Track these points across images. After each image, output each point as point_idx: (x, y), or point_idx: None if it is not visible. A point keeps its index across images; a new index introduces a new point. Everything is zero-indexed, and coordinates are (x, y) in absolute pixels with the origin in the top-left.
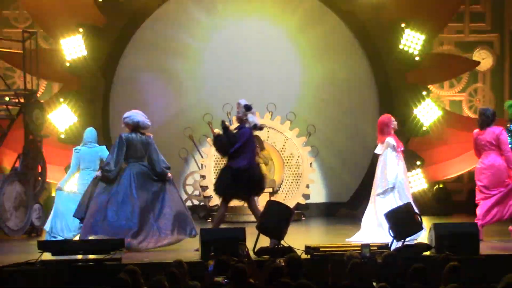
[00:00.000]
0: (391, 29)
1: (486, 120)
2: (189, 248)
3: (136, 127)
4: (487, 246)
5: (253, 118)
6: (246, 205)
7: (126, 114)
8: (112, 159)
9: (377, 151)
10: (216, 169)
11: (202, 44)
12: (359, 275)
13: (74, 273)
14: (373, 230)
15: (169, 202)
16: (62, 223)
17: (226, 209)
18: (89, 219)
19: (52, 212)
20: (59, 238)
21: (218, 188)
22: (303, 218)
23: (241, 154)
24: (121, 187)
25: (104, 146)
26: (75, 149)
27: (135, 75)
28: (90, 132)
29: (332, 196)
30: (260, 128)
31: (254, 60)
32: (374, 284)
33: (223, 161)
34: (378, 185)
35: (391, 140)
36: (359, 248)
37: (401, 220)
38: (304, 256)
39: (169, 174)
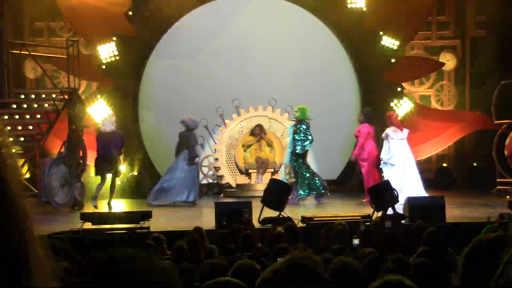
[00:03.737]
0: (371, 36)
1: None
2: (207, 219)
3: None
4: (451, 216)
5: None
6: (252, 182)
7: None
8: None
9: (404, 136)
10: (227, 154)
11: (215, 50)
12: (344, 240)
13: (110, 240)
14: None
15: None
16: None
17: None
18: None
19: None
20: None
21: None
22: None
23: None
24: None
25: None
26: None
27: (159, 75)
28: None
29: (323, 175)
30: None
31: (259, 64)
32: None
33: (233, 147)
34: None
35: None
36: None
37: (382, 195)
38: (300, 224)
39: (196, 159)
